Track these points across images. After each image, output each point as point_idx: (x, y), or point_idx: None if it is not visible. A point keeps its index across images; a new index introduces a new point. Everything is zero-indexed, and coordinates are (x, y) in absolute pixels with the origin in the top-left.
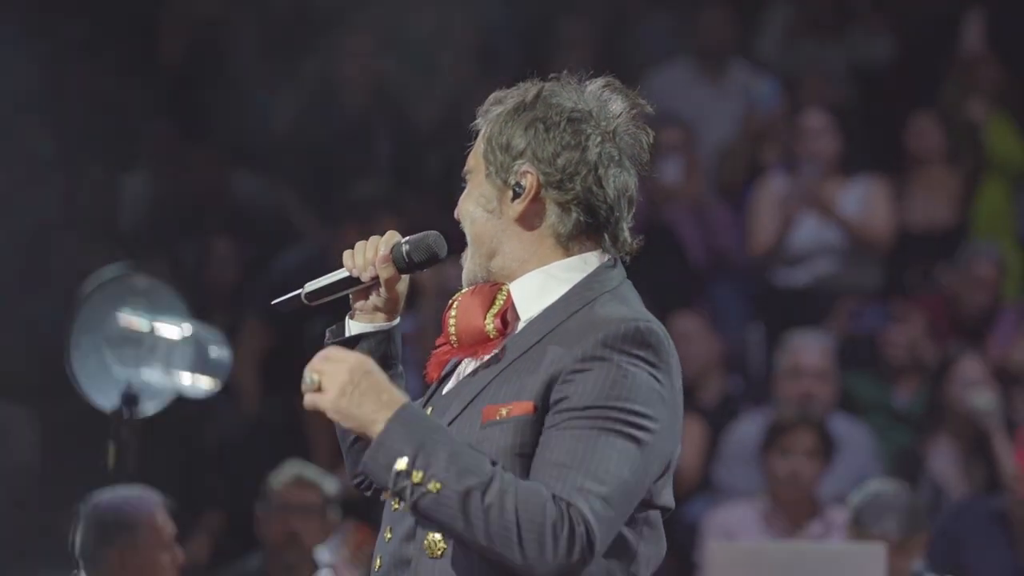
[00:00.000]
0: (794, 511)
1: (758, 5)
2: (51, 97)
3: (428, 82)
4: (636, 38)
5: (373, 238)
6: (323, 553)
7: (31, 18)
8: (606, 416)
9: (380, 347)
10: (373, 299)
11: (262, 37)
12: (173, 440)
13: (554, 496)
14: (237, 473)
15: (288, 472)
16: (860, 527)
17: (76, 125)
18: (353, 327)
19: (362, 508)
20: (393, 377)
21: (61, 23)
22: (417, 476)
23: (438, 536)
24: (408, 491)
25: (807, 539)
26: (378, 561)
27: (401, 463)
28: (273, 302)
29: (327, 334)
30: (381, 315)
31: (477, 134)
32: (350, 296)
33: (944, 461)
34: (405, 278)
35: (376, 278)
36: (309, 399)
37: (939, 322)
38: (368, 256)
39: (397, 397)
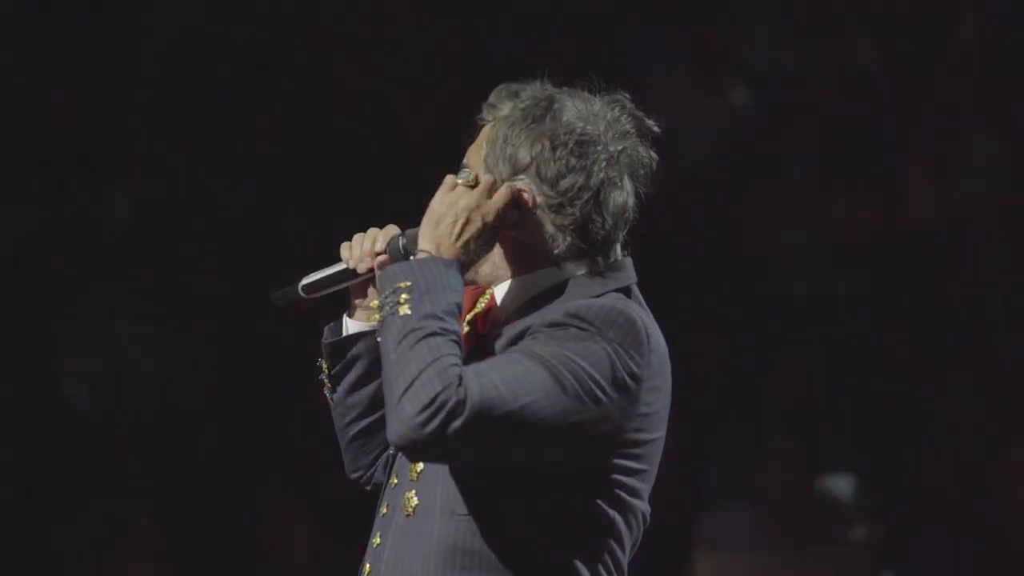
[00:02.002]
0: (784, 519)
1: (744, 13)
2: (34, 108)
3: (418, 92)
4: (624, 48)
5: (372, 230)
6: None
7: (13, 30)
8: (548, 355)
9: (377, 345)
10: (372, 295)
11: (247, 46)
12: (161, 448)
13: (460, 376)
14: (226, 481)
15: (278, 480)
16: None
17: (59, 135)
18: (351, 326)
19: (352, 517)
20: None
21: (45, 34)
22: (403, 297)
23: (412, 492)
24: (389, 304)
25: (796, 547)
26: (367, 567)
27: (404, 284)
28: (271, 295)
29: (325, 332)
30: (379, 313)
31: (481, 125)
32: (349, 292)
33: (933, 468)
34: None
35: (372, 270)
36: (452, 180)
37: (928, 328)
38: (365, 247)
39: (462, 258)
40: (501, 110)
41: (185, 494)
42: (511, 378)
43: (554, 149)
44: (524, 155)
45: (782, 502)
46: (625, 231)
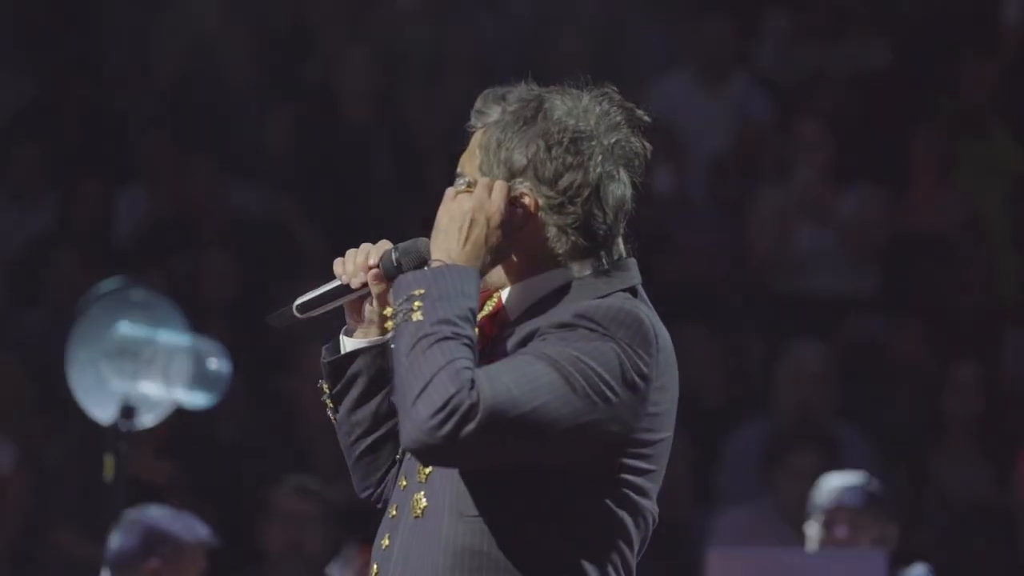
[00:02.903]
0: (797, 517)
1: (755, 14)
2: (46, 110)
3: (427, 95)
4: (633, 49)
5: (364, 245)
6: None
7: (26, 33)
8: (557, 356)
9: (376, 361)
10: (367, 313)
11: (258, 49)
12: (172, 451)
13: (473, 379)
14: (238, 484)
15: (290, 482)
16: (817, 512)
17: (71, 138)
18: (348, 344)
19: (364, 520)
20: (391, 392)
21: (56, 38)
22: (416, 305)
23: (420, 494)
24: (402, 311)
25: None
26: (375, 568)
27: (418, 292)
28: (266, 317)
29: (323, 351)
30: (375, 329)
31: (472, 133)
32: (345, 310)
33: (945, 469)
34: None
35: (366, 284)
36: (451, 192)
37: (937, 329)
38: (358, 262)
39: (475, 261)
40: (490, 115)
41: (196, 494)
42: (522, 380)
43: (549, 149)
44: (520, 158)
45: (795, 501)
46: (624, 223)
